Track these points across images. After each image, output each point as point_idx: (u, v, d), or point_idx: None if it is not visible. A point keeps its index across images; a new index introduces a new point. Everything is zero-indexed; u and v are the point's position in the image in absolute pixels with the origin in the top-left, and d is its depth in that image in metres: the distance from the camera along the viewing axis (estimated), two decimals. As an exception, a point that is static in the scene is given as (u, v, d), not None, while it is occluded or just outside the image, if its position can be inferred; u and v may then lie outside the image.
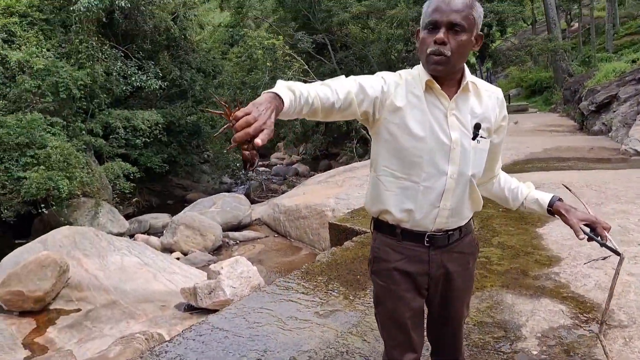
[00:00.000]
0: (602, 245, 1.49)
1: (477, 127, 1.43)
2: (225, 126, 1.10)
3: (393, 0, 17.44)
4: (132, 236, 11.18)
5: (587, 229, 1.49)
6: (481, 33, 1.43)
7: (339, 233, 4.35)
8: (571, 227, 1.50)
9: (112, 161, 13.51)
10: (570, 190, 1.86)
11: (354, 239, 4.02)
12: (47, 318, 6.28)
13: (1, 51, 12.17)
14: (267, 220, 10.64)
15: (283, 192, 13.84)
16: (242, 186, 17.79)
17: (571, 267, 3.21)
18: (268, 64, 15.05)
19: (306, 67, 16.23)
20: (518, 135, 11.34)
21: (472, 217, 1.59)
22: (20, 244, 8.79)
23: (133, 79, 14.71)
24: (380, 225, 1.54)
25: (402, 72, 1.47)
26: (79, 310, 6.41)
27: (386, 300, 1.54)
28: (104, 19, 14.03)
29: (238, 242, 9.90)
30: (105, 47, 14.37)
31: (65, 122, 12.43)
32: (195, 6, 19.83)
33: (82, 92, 12.88)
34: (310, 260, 7.97)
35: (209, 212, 10.87)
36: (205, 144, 19.18)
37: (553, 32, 20.12)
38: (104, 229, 11.02)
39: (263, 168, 20.96)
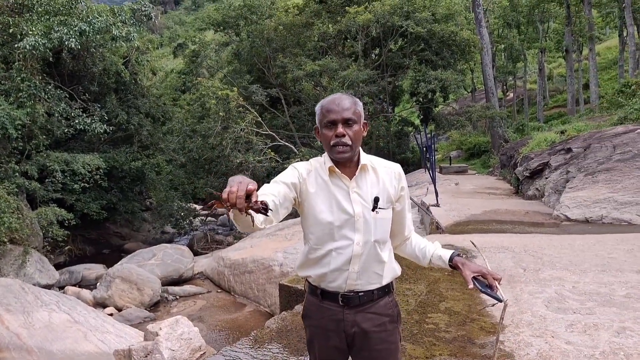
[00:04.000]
0: (484, 292, 1.65)
1: (376, 200, 1.69)
2: (227, 212, 1.35)
3: (345, 62, 18.24)
4: (62, 288, 10.49)
5: (484, 280, 1.67)
6: (365, 121, 1.76)
7: (289, 295, 4.24)
8: (464, 278, 1.70)
9: (46, 206, 12.77)
10: (474, 245, 2.17)
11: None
12: (-47, 384, 5.65)
13: None
14: (211, 274, 10.30)
15: (229, 244, 13.50)
16: (186, 237, 17.21)
17: (514, 334, 3.28)
18: (221, 113, 15.06)
19: (259, 119, 16.40)
20: (459, 197, 11.78)
21: (390, 283, 1.79)
22: None
23: (76, 121, 14.18)
24: (309, 287, 1.82)
25: (312, 160, 1.79)
26: (-6, 374, 5.82)
27: (312, 351, 1.83)
28: (50, 58, 13.57)
29: (178, 297, 9.48)
30: (49, 87, 13.85)
31: (-3, 163, 11.69)
32: (148, 51, 19.77)
33: (20, 132, 12.22)
34: (254, 320, 7.73)
35: (148, 265, 10.41)
36: (149, 190, 18.58)
37: (491, 101, 21.57)
38: (31, 279, 10.25)
39: (209, 218, 20.48)
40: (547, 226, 7.97)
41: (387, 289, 1.77)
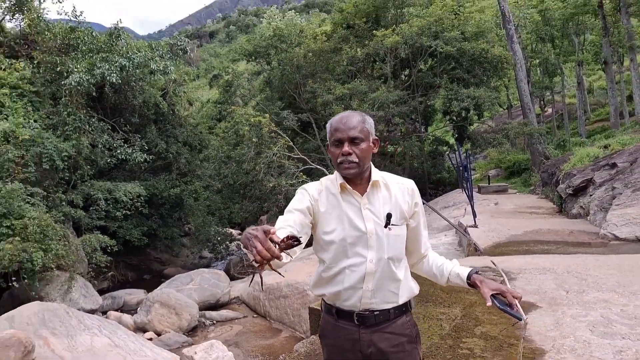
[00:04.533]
0: (503, 310, 1.62)
1: (388, 216, 1.68)
2: (260, 271, 1.30)
3: (374, 85, 18.30)
4: (104, 313, 10.75)
5: (503, 299, 1.65)
6: (376, 137, 1.77)
7: (319, 318, 4.20)
8: (483, 296, 1.67)
9: (91, 233, 13.22)
10: (494, 264, 2.21)
11: (334, 326, 3.87)
12: (3, 404, 5.83)
13: None
14: (247, 298, 10.34)
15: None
16: (222, 261, 17.43)
17: (556, 361, 3.13)
18: (254, 139, 15.36)
19: (291, 143, 16.60)
20: (499, 217, 11.44)
21: (408, 302, 1.77)
22: (-14, 319, 8.33)
23: (118, 151, 14.82)
24: (324, 305, 1.83)
25: (323, 179, 1.81)
26: (39, 396, 6.00)
27: None
28: (93, 93, 14.30)
29: (215, 322, 9.54)
30: (93, 120, 14.57)
31: (45, 193, 12.27)
32: (185, 83, 20.50)
33: (66, 163, 12.86)
34: (290, 346, 7.66)
35: (186, 289, 10.55)
36: (187, 216, 19.00)
37: (528, 117, 21.05)
38: (76, 304, 10.56)
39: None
40: (593, 246, 7.60)
41: (404, 308, 1.75)
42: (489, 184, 20.17)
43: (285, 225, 1.55)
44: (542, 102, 34.23)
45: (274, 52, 21.68)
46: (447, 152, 23.00)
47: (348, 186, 1.70)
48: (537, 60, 30.95)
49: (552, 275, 5.17)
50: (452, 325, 3.86)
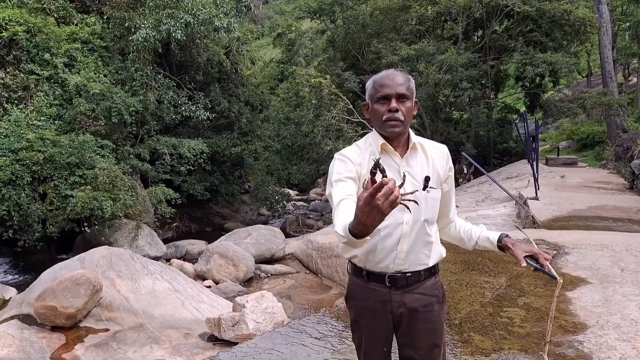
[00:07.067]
0: (539, 270, 1.66)
1: (427, 179, 1.66)
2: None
3: (443, 46, 17.50)
4: (168, 260, 11.43)
5: (533, 261, 1.69)
6: (416, 99, 1.76)
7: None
8: (516, 258, 1.69)
9: (157, 186, 13.89)
10: (521, 230, 2.31)
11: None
12: (77, 335, 6.42)
13: (62, 74, 12.92)
14: (300, 255, 10.65)
15: (319, 229, 13.80)
16: (279, 219, 17.94)
17: (597, 336, 3.04)
18: (313, 101, 15.32)
19: (351, 106, 16.41)
20: (563, 191, 10.92)
21: (436, 265, 1.78)
22: (62, 259, 9.17)
23: (183, 108, 15.26)
24: (352, 268, 1.80)
25: (359, 142, 1.79)
26: (107, 330, 6.54)
27: (357, 331, 1.82)
28: (160, 50, 14.61)
29: (269, 275, 9.94)
30: (159, 77, 14.98)
31: (114, 146, 12.95)
32: (249, 42, 20.57)
33: (134, 118, 13.37)
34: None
35: (244, 243, 11.00)
36: (247, 175, 19.54)
37: (608, 86, 19.50)
38: (142, 251, 11.31)
39: (301, 202, 21.06)
40: (663, 225, 7.12)
41: (433, 270, 1.77)
42: (557, 155, 19.15)
43: (347, 195, 1.56)
44: (626, 70, 31.42)
45: (340, 9, 21.15)
46: (516, 121, 21.85)
47: (390, 146, 1.68)
48: (627, 24, 28.20)
49: (609, 252, 4.94)
50: (495, 294, 3.83)
